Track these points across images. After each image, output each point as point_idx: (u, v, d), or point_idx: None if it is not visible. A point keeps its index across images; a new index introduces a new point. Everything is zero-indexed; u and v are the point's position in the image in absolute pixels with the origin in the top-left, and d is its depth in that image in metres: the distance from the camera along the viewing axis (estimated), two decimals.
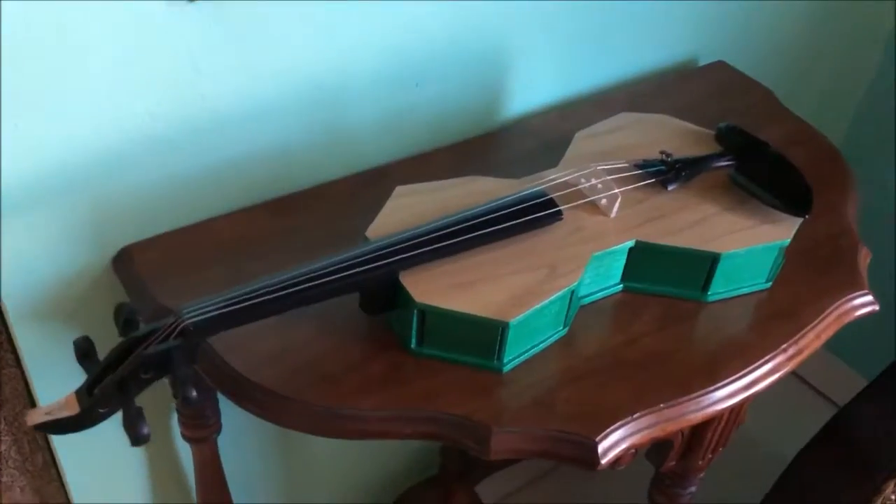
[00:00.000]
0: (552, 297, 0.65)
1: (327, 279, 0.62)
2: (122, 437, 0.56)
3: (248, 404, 0.64)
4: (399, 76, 0.83)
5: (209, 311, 0.59)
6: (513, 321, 0.63)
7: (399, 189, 0.74)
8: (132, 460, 0.91)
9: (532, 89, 0.96)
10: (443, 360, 0.66)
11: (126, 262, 0.74)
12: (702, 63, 1.08)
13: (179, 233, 0.76)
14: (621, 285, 0.74)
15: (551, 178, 0.75)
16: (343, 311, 0.68)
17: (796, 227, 0.73)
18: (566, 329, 0.70)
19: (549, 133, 0.93)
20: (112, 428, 0.59)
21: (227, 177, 0.78)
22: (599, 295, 0.73)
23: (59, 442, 0.84)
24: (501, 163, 0.88)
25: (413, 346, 0.66)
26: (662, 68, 1.06)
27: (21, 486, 0.86)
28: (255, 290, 0.61)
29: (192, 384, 0.56)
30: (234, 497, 0.93)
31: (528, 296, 0.64)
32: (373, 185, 0.84)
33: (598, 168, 0.74)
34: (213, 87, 0.71)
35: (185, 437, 0.85)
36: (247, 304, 0.60)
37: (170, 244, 0.75)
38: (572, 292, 0.67)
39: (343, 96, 0.80)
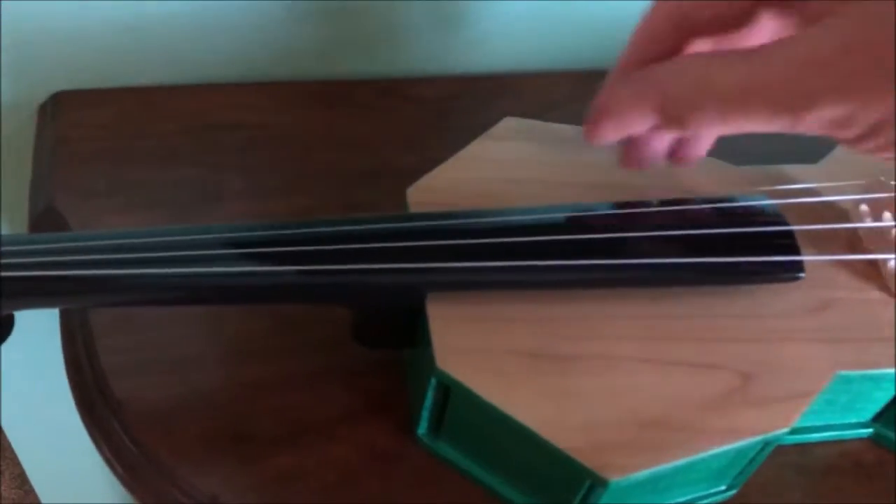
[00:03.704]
0: (727, 447, 0.30)
1: (286, 269, 0.30)
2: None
3: (96, 433, 0.35)
4: None
5: (28, 265, 0.29)
6: (619, 480, 0.29)
7: (508, 123, 0.40)
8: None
9: None
10: (466, 478, 0.34)
11: (54, 113, 0.46)
12: None
13: (134, 94, 0.46)
14: (871, 429, 0.37)
15: (798, 186, 0.38)
16: (325, 317, 0.36)
17: None
18: (732, 493, 0.35)
19: None
20: None
21: (238, 23, 0.46)
22: (821, 436, 0.37)
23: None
24: None
25: (421, 433, 0.34)
26: None
27: None
28: (159, 248, 0.30)
29: None
30: None
31: (677, 429, 0.30)
32: (484, 99, 0.50)
33: None
34: None
35: None
36: (123, 273, 0.29)
37: (116, 108, 0.45)
38: (768, 443, 0.32)
39: None
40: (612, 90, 0.30)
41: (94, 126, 0.45)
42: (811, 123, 0.26)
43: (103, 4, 0.44)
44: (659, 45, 0.30)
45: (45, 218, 0.41)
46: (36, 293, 0.30)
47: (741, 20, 0.29)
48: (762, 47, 0.26)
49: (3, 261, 0.29)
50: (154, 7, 0.45)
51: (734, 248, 0.32)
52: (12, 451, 0.69)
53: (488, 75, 0.52)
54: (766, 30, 0.29)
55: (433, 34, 0.51)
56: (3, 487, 0.91)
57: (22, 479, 0.97)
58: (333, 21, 0.49)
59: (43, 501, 0.79)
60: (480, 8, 0.51)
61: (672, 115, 0.28)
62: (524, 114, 0.41)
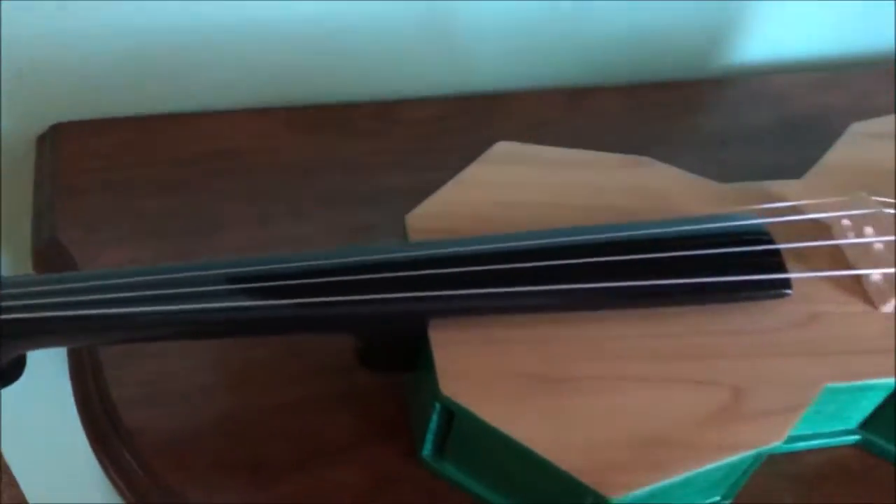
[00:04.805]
0: (722, 462, 0.31)
1: (286, 303, 0.31)
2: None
3: (108, 462, 0.36)
4: None
5: (33, 307, 0.30)
6: (620, 498, 0.30)
7: (502, 147, 0.41)
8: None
9: (792, 30, 0.58)
10: (471, 496, 0.35)
11: (54, 144, 0.46)
12: None
13: (132, 123, 0.47)
14: (858, 436, 0.39)
15: (783, 203, 0.39)
16: (331, 343, 0.37)
17: None
18: (727, 502, 0.36)
19: (798, 106, 0.56)
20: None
21: (234, 50, 0.47)
22: (809, 444, 0.38)
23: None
24: (702, 136, 0.52)
25: (426, 454, 0.35)
26: None
27: None
28: (162, 286, 0.31)
29: None
30: None
31: (673, 446, 0.31)
32: (477, 119, 0.51)
33: (884, 212, 0.38)
34: None
35: None
36: (124, 311, 0.30)
37: (114, 138, 0.46)
38: (761, 455, 0.33)
39: None
40: None
41: (93, 156, 0.45)
42: None
43: (100, 35, 0.45)
44: None
45: (48, 250, 0.41)
46: (39, 334, 0.31)
47: None
48: None
49: (4, 303, 0.30)
50: (150, 37, 0.46)
51: (723, 268, 0.34)
52: (12, 477, 0.69)
53: (480, 95, 0.53)
54: None
55: (424, 56, 0.52)
56: None
57: None
58: (327, 46, 0.50)
59: None
60: (470, 28, 0.52)
61: None
62: (516, 132, 0.42)
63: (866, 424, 0.38)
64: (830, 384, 0.34)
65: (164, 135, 0.47)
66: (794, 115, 0.55)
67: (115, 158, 0.46)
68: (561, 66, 0.54)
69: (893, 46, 0.63)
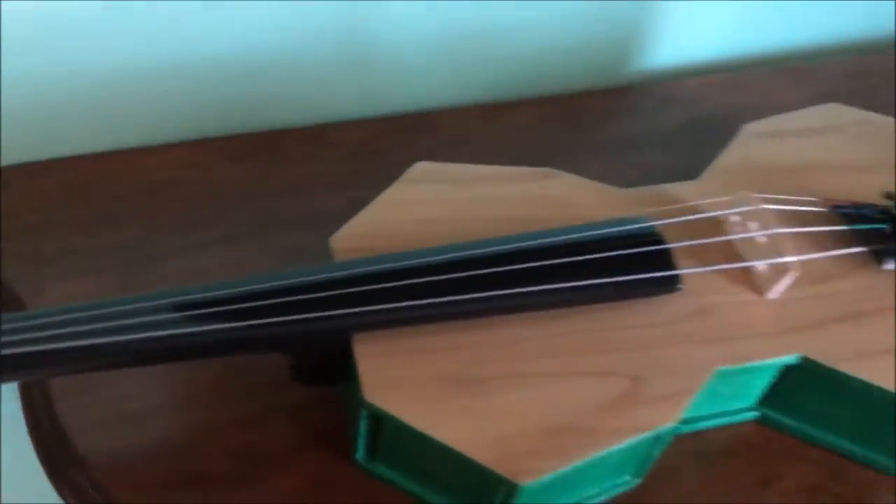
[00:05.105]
0: (621, 445, 0.35)
1: (223, 327, 0.34)
2: None
3: (62, 486, 0.38)
4: None
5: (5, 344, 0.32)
6: (529, 484, 0.33)
7: (419, 168, 0.44)
8: None
9: (695, 34, 0.62)
10: (402, 492, 0.38)
11: None
12: None
13: (71, 163, 0.49)
14: (757, 412, 0.42)
15: (680, 204, 0.43)
16: (265, 361, 0.40)
17: None
18: (637, 481, 0.40)
19: (703, 108, 0.60)
20: None
21: (168, 88, 0.50)
22: (712, 423, 0.42)
23: None
24: (612, 143, 0.56)
25: (359, 457, 0.38)
26: None
27: None
28: (101, 321, 0.33)
29: None
30: None
31: (577, 433, 0.34)
32: (400, 139, 0.54)
33: (765, 208, 0.42)
34: None
35: None
36: (79, 344, 0.33)
37: (55, 178, 0.49)
38: (660, 436, 0.37)
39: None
40: None
41: (35, 197, 0.48)
42: None
43: (34, 82, 0.47)
44: None
45: None
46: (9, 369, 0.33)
47: None
48: None
49: None
50: (85, 80, 0.48)
51: (616, 269, 0.37)
52: None
53: (402, 115, 0.56)
54: None
55: (348, 81, 0.55)
56: None
57: None
58: (256, 78, 0.52)
59: None
60: (390, 53, 0.55)
61: None
62: (437, 149, 0.45)
63: (763, 401, 0.42)
64: (722, 367, 0.38)
65: (101, 172, 0.49)
66: (703, 116, 0.59)
67: (55, 198, 0.48)
68: (477, 84, 0.57)
69: (792, 45, 0.67)
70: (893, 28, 0.69)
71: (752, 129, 0.49)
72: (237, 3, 0.48)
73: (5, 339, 0.32)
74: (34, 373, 0.35)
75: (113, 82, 0.49)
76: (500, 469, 0.33)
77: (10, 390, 0.41)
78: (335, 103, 0.55)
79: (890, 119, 0.51)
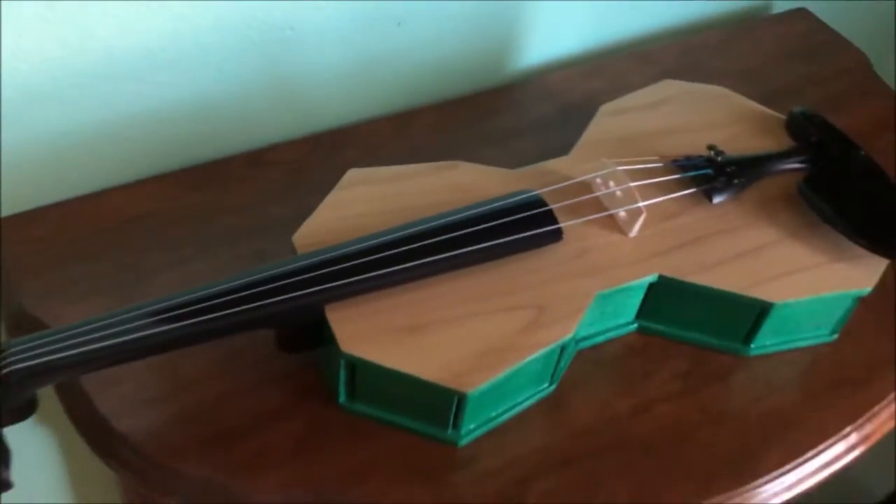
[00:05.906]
0: (535, 355, 0.47)
1: (217, 315, 0.44)
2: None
3: (112, 461, 0.48)
4: (375, 12, 0.63)
5: (39, 355, 0.42)
6: (472, 392, 0.45)
7: (351, 174, 0.55)
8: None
9: (557, 32, 0.75)
10: (380, 422, 0.50)
11: None
12: (777, 9, 0.86)
13: (58, 208, 0.58)
14: (635, 324, 0.56)
15: (556, 175, 0.55)
16: (256, 340, 0.51)
17: (882, 270, 0.54)
18: (553, 386, 0.52)
19: (571, 95, 0.73)
20: None
21: (130, 135, 0.60)
22: (604, 337, 0.55)
23: None
24: (501, 134, 0.68)
25: (342, 400, 0.50)
26: (726, 13, 0.84)
27: None
28: (114, 326, 0.43)
29: (6, 463, 0.40)
30: None
31: (502, 352, 0.47)
32: (328, 152, 0.65)
33: (618, 170, 0.54)
34: (106, 21, 0.53)
35: None
36: (95, 347, 0.42)
37: (47, 223, 0.58)
38: (563, 346, 0.49)
39: (297, 37, 0.61)
40: None
41: (33, 241, 0.57)
42: None
43: (21, 140, 0.56)
44: None
45: (19, 319, 0.53)
46: (49, 372, 0.43)
47: None
48: None
49: (12, 357, 0.41)
50: (66, 139, 0.57)
51: (514, 229, 0.50)
52: None
53: (327, 131, 0.67)
54: None
55: (279, 109, 0.66)
56: None
57: None
58: (203, 116, 0.62)
59: None
60: (310, 78, 0.65)
61: None
62: (361, 157, 0.56)
63: (638, 315, 0.55)
64: (601, 292, 0.50)
65: (83, 213, 0.58)
66: (569, 102, 0.72)
67: (48, 240, 0.57)
68: (385, 98, 0.69)
69: (637, 33, 0.81)
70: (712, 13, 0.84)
71: (606, 108, 0.62)
72: (184, 58, 0.58)
73: (37, 351, 0.42)
74: (65, 373, 0.44)
75: (90, 135, 0.58)
76: (451, 384, 0.45)
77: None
78: (269, 130, 0.66)
79: (713, 87, 0.65)
